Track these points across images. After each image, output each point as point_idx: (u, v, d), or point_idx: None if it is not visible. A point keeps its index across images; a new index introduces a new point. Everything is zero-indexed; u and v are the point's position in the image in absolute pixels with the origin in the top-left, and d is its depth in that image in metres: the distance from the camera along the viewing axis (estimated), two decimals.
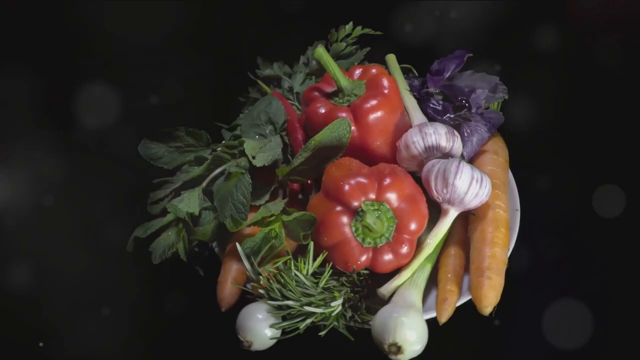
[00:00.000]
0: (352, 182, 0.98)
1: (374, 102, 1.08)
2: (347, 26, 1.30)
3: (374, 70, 1.14)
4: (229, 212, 1.03)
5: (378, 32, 1.31)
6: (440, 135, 1.07)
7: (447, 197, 1.02)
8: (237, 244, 0.98)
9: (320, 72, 1.30)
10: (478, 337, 1.02)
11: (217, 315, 0.98)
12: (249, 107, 1.31)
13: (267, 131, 1.18)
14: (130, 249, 1.05)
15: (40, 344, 1.03)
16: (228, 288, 1.00)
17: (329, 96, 1.14)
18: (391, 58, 1.28)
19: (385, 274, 1.01)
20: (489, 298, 0.96)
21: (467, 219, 1.08)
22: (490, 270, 0.99)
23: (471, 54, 1.24)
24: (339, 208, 0.98)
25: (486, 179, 1.02)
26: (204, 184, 1.10)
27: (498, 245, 1.02)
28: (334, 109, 1.10)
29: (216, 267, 1.05)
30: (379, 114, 1.08)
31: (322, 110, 1.11)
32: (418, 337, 0.90)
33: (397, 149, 1.11)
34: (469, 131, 1.15)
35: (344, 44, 1.30)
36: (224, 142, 1.19)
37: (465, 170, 1.01)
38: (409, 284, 0.99)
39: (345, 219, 0.98)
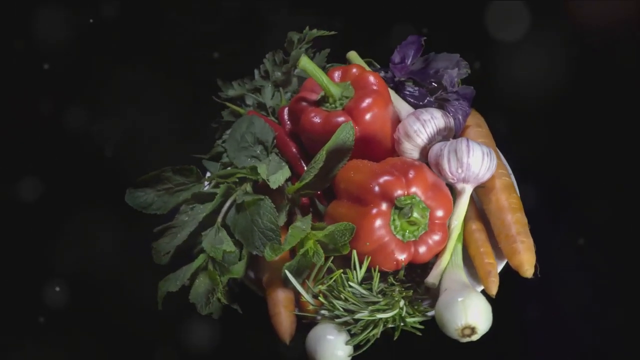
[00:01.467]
0: (381, 181, 0.99)
1: (369, 101, 1.09)
2: (304, 31, 1.29)
3: (354, 70, 1.14)
4: (260, 242, 0.99)
5: (332, 32, 1.31)
6: (438, 119, 1.10)
7: (462, 176, 1.05)
8: (287, 272, 0.95)
9: (285, 82, 1.28)
10: (519, 301, 1.06)
11: (280, 348, 0.94)
12: (220, 132, 1.27)
13: (258, 152, 1.14)
14: (161, 307, 0.98)
15: None
16: (285, 318, 0.96)
17: (318, 104, 1.12)
18: (353, 55, 1.29)
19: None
20: (528, 261, 1.01)
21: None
22: (520, 235, 1.03)
23: (425, 37, 1.28)
24: (374, 210, 0.98)
25: (491, 150, 1.07)
26: (219, 219, 1.04)
27: (516, 209, 1.07)
28: (329, 115, 1.10)
29: (247, 301, 1.02)
30: (375, 111, 1.09)
31: (318, 120, 1.10)
32: (487, 314, 0.93)
33: (396, 141, 1.13)
34: (453, 109, 1.20)
35: (302, 50, 1.29)
36: (217, 172, 1.14)
37: (476, 147, 1.05)
38: (451, 267, 1.02)
39: (382, 220, 0.98)
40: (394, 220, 0.98)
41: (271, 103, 1.26)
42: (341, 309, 0.92)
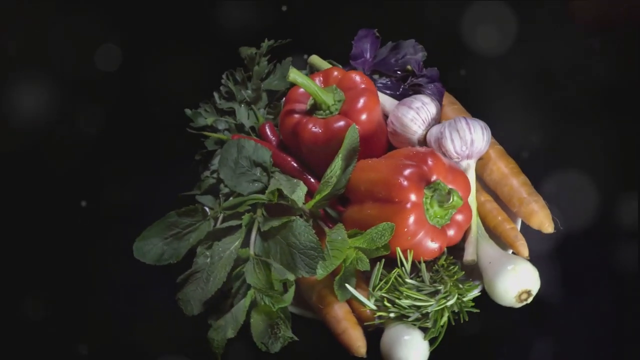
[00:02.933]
0: (406, 174, 0.99)
1: (363, 100, 1.09)
2: (263, 44, 1.26)
3: (335, 73, 1.14)
4: (303, 263, 0.96)
5: (287, 40, 1.29)
6: (429, 104, 1.13)
7: (466, 153, 1.09)
8: (347, 286, 0.94)
9: (255, 99, 1.24)
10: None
11: None
12: (203, 164, 1.21)
13: (258, 174, 1.11)
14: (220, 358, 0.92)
15: None
16: (355, 332, 0.95)
17: (311, 113, 1.11)
18: (315, 58, 1.28)
19: None
20: (547, 217, 1.07)
21: None
22: (532, 195, 1.09)
23: (375, 29, 1.30)
24: (408, 205, 0.98)
25: (485, 123, 1.11)
26: (251, 251, 1.00)
27: (519, 172, 1.12)
28: (328, 122, 1.08)
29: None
30: (370, 108, 1.10)
31: (319, 129, 1.08)
32: (537, 275, 0.97)
33: (391, 134, 1.14)
34: (429, 92, 1.23)
35: (265, 64, 1.26)
36: (225, 204, 1.08)
37: (474, 122, 1.09)
38: (482, 241, 1.05)
39: (417, 212, 0.98)
40: (427, 209, 1.00)
41: (250, 123, 1.22)
42: (409, 307, 0.92)
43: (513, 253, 1.06)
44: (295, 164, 1.13)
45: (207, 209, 1.12)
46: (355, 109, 1.09)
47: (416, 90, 1.23)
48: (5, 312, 1.11)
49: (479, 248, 1.05)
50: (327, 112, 1.10)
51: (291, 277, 0.93)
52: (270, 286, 0.94)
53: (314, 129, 1.08)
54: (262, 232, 1.01)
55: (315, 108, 1.11)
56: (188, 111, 1.23)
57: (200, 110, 1.24)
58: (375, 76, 1.28)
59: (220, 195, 1.12)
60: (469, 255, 1.04)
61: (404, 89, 1.24)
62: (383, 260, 0.98)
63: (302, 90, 1.13)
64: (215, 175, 1.15)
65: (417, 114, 1.12)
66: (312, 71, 1.29)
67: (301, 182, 1.06)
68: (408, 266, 0.98)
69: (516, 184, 1.11)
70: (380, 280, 0.97)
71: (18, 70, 1.42)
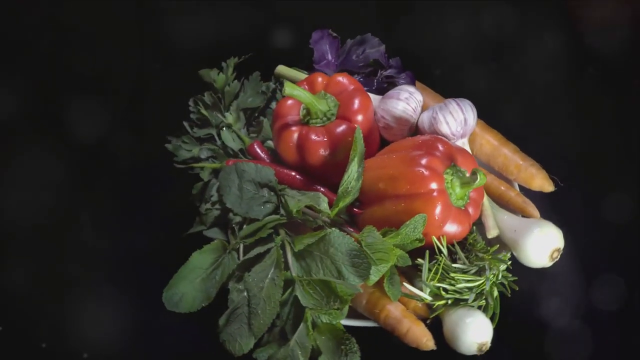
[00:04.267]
0: (424, 163, 1.01)
1: (357, 101, 1.09)
2: (225, 63, 1.21)
3: (320, 79, 1.13)
4: (351, 272, 0.94)
5: (249, 54, 1.25)
6: (415, 92, 1.15)
7: (461, 132, 1.12)
8: (406, 285, 0.94)
9: (235, 120, 1.20)
10: None
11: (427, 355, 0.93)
12: (198, 196, 1.15)
13: (267, 195, 1.07)
14: None
15: None
16: (419, 328, 0.95)
17: (307, 123, 1.09)
18: (282, 68, 1.26)
19: None
20: (546, 178, 1.13)
21: None
22: (527, 160, 1.15)
23: (329, 29, 1.31)
24: (435, 193, 1.00)
25: (468, 100, 1.15)
26: (293, 273, 0.97)
27: (507, 142, 1.17)
28: (330, 128, 1.07)
29: None
30: (366, 107, 1.10)
31: (323, 137, 1.07)
32: (560, 231, 1.03)
33: (383, 128, 1.15)
34: (403, 82, 1.25)
35: (237, 83, 1.22)
36: (243, 233, 1.04)
37: (463, 102, 1.12)
38: (497, 213, 1.09)
39: (443, 198, 1.00)
40: (450, 194, 1.02)
41: (237, 145, 1.17)
42: (467, 290, 0.94)
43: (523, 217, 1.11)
44: (300, 177, 1.11)
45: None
46: (352, 111, 1.08)
47: (390, 82, 1.25)
48: None
49: (498, 220, 1.09)
50: (324, 118, 1.09)
51: (358, 288, 0.91)
52: (328, 304, 0.91)
53: (317, 137, 1.07)
54: (295, 253, 0.99)
55: (310, 117, 1.09)
56: (169, 146, 1.17)
57: (179, 142, 1.18)
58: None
59: (232, 226, 1.07)
60: (491, 229, 1.08)
61: (378, 83, 1.25)
62: (427, 252, 0.99)
63: (290, 102, 1.11)
64: (218, 206, 1.10)
65: (408, 104, 1.14)
66: (281, 82, 1.27)
67: (319, 193, 1.04)
68: (445, 252, 1.00)
69: (509, 152, 1.16)
70: (434, 270, 0.98)
71: None
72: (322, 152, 1.07)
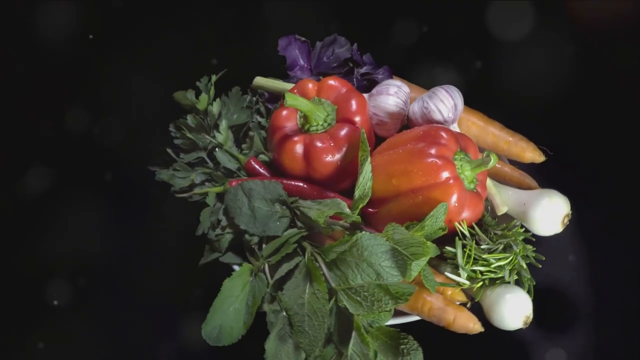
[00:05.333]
0: (434, 153, 1.02)
1: (354, 102, 1.09)
2: (199, 83, 1.17)
3: (310, 85, 1.12)
4: (389, 271, 0.94)
5: (224, 70, 1.22)
6: (402, 85, 1.17)
7: (452, 118, 1.15)
8: (447, 274, 0.95)
9: (226, 138, 1.16)
10: None
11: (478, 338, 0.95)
12: (205, 223, 1.10)
13: (280, 209, 1.05)
14: None
15: None
16: (464, 315, 0.97)
17: (308, 130, 1.08)
18: (260, 79, 1.24)
19: None
20: (536, 149, 1.17)
21: None
22: (515, 136, 1.19)
23: (295, 34, 1.29)
24: (451, 181, 1.01)
25: (453, 86, 1.18)
26: (332, 283, 0.95)
27: (492, 121, 1.21)
28: (333, 133, 1.07)
29: None
30: (363, 106, 1.10)
31: (328, 143, 1.07)
32: (565, 197, 1.08)
33: (377, 125, 1.15)
34: (382, 76, 1.26)
35: (219, 101, 1.18)
36: (266, 252, 1.01)
37: (451, 88, 1.15)
38: (501, 190, 1.12)
39: (459, 185, 1.02)
40: (463, 179, 1.04)
41: (235, 164, 1.14)
42: (500, 269, 0.96)
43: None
44: (307, 186, 1.09)
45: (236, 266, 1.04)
46: (352, 112, 1.08)
47: (368, 79, 1.26)
48: None
49: (504, 197, 1.12)
50: (325, 124, 1.08)
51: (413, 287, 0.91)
52: (379, 307, 0.91)
53: (323, 144, 1.06)
54: (328, 263, 0.97)
55: (309, 125, 1.08)
56: (164, 176, 1.11)
57: (170, 172, 1.13)
58: (320, 78, 1.27)
59: (251, 247, 1.04)
60: (500, 206, 1.11)
61: (358, 81, 1.25)
62: (457, 238, 1.01)
63: (285, 112, 1.09)
64: (229, 229, 1.06)
65: (398, 98, 1.15)
66: (260, 94, 1.24)
67: (336, 199, 1.03)
68: (468, 235, 1.02)
69: (496, 130, 1.20)
70: (453, 257, 1.00)
71: None
72: (330, 157, 1.06)
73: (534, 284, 0.98)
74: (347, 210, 0.99)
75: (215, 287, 0.99)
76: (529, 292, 0.98)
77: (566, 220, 1.07)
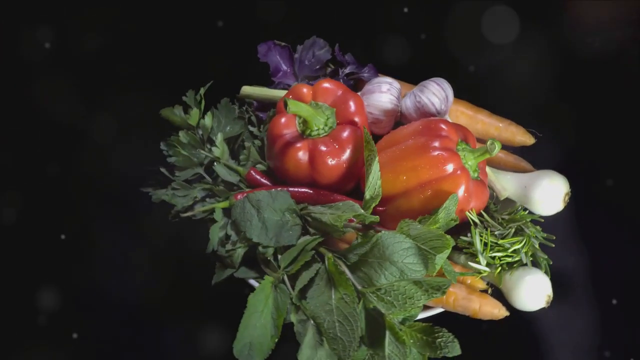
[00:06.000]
0: (438, 146, 1.03)
1: (352, 102, 1.09)
2: (186, 98, 1.15)
3: (305, 90, 1.11)
4: (412, 266, 0.93)
5: (209, 84, 1.19)
6: (393, 82, 1.18)
7: (444, 109, 1.17)
8: (471, 264, 0.96)
9: (222, 152, 1.14)
10: None
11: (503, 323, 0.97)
12: (214, 241, 1.08)
13: (291, 218, 1.04)
14: None
15: None
16: (488, 302, 0.98)
17: (310, 135, 1.07)
18: (247, 89, 1.23)
19: None
20: (525, 133, 1.20)
21: None
22: (504, 122, 1.21)
23: (274, 40, 1.28)
24: (458, 172, 1.03)
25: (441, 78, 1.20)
26: (359, 286, 0.95)
27: (480, 109, 1.22)
28: (336, 136, 1.07)
29: None
30: (361, 106, 1.10)
31: (333, 146, 1.06)
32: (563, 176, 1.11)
33: (372, 123, 1.16)
34: (367, 75, 1.26)
35: (210, 114, 1.15)
36: (283, 262, 1.00)
37: (440, 81, 1.16)
38: (499, 175, 1.15)
39: (465, 174, 1.03)
40: (468, 169, 1.05)
41: (236, 177, 1.11)
42: (519, 252, 0.99)
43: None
44: (312, 191, 1.08)
45: (253, 281, 1.02)
46: (351, 113, 1.08)
47: (354, 78, 1.26)
48: None
49: (503, 181, 1.15)
50: (326, 128, 1.07)
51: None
52: (413, 303, 0.91)
53: (327, 147, 1.05)
54: (350, 266, 0.97)
55: (310, 130, 1.07)
56: (166, 197, 1.08)
57: (172, 192, 1.10)
58: (306, 81, 1.26)
59: (266, 259, 1.03)
60: (501, 191, 1.13)
61: (344, 82, 1.25)
62: (473, 227, 1.02)
63: (284, 120, 1.08)
64: (240, 244, 1.04)
65: (392, 95, 1.16)
66: (249, 103, 1.23)
67: (348, 201, 1.03)
68: (479, 223, 1.04)
69: (486, 117, 1.23)
70: (468, 246, 1.02)
71: None
72: (335, 160, 1.05)
73: (551, 262, 1.01)
74: (363, 212, 0.99)
75: (233, 303, 0.97)
76: (545, 272, 1.01)
77: (567, 198, 1.10)
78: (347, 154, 1.06)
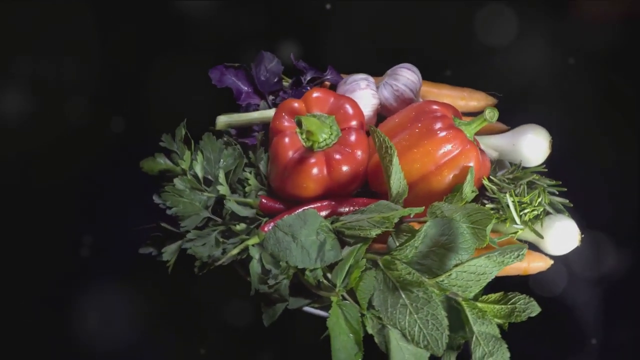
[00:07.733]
0: (442, 127, 1.06)
1: (349, 106, 1.08)
2: (166, 138, 1.07)
3: (296, 104, 1.08)
4: (466, 244, 0.96)
5: (184, 121, 1.11)
6: (368, 78, 1.20)
7: (417, 90, 1.20)
8: (515, 225, 1.00)
9: (226, 189, 1.08)
10: None
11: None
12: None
13: (325, 234, 1.01)
14: None
15: None
16: (535, 257, 1.07)
17: (320, 148, 1.05)
18: (223, 118, 1.18)
19: None
20: (488, 96, 1.28)
21: None
22: (466, 91, 1.28)
23: (224, 63, 1.23)
24: (468, 146, 1.06)
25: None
26: (431, 281, 0.95)
27: (441, 85, 1.29)
28: (345, 141, 1.06)
29: None
30: (358, 106, 1.09)
31: (345, 152, 1.05)
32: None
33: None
34: (332, 77, 1.25)
35: (200, 153, 1.08)
36: (339, 280, 0.97)
37: (408, 65, 1.20)
38: (483, 138, 1.20)
39: (471, 146, 1.07)
40: (472, 141, 1.10)
41: (251, 211, 1.06)
42: (542, 203, 1.06)
43: None
44: (333, 202, 1.06)
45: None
46: (350, 117, 1.07)
47: (319, 83, 1.25)
48: None
49: (488, 144, 1.21)
50: (333, 136, 1.06)
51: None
52: (486, 279, 0.94)
53: (342, 155, 1.04)
54: (408, 262, 0.97)
55: (315, 141, 1.05)
56: (191, 251, 1.01)
57: (191, 243, 1.02)
58: (271, 97, 1.23)
59: (317, 282, 0.99)
60: (492, 154, 1.19)
61: (305, 89, 1.23)
62: (502, 194, 1.07)
63: (287, 139, 1.05)
64: (283, 275, 1.00)
65: (371, 89, 1.17)
66: (227, 132, 1.17)
67: (379, 201, 1.02)
68: (495, 189, 1.09)
69: (449, 91, 1.29)
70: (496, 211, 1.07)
71: None
72: (350, 166, 1.04)
73: (568, 202, 1.09)
74: (400, 208, 0.99)
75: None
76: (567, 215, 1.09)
77: (551, 143, 1.19)
78: (359, 157, 1.05)
